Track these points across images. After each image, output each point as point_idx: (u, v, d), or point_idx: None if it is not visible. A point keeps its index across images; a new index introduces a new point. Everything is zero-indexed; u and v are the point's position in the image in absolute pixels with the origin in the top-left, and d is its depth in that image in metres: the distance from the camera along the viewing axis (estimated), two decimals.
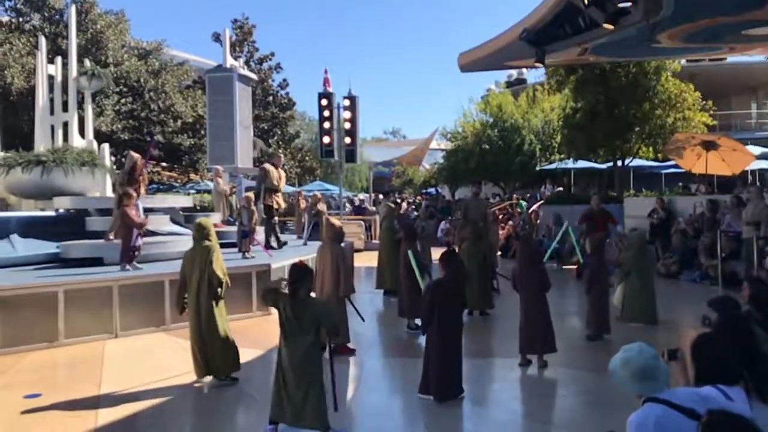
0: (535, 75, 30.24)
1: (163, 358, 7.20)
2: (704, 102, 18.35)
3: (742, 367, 2.95)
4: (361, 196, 33.63)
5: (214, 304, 6.03)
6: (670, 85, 17.52)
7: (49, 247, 10.29)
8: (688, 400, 2.67)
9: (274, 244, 12.18)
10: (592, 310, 7.78)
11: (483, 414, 5.52)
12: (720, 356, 2.92)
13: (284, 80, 33.38)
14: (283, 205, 12.40)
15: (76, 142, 13.67)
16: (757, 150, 18.45)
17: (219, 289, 6.02)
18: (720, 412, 2.40)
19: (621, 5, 7.25)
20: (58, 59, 14.51)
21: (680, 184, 19.89)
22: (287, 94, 33.37)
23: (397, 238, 9.96)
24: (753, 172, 21.90)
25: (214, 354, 6.00)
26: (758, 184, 20.28)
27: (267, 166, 12.20)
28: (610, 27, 7.69)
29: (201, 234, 6.18)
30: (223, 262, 6.20)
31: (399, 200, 17.72)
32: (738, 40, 10.17)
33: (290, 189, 26.97)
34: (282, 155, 13.60)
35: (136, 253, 9.08)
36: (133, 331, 8.12)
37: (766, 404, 2.93)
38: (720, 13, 8.21)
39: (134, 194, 9.26)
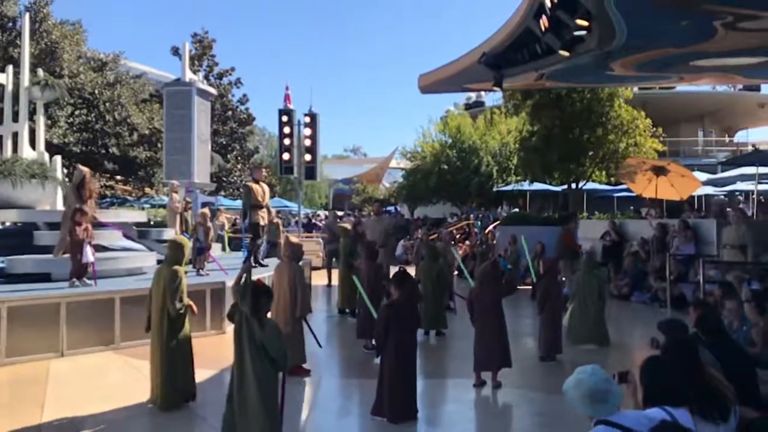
0: (493, 98, 30.76)
1: (112, 377, 6.99)
2: (654, 128, 18.98)
3: (689, 389, 3.03)
4: (321, 213, 33.52)
5: (169, 330, 5.73)
6: (623, 111, 18.07)
7: None
8: (637, 422, 2.73)
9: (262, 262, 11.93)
10: (544, 330, 7.89)
11: None
12: (667, 378, 3.00)
13: (244, 95, 33.27)
14: (265, 221, 11.98)
15: (26, 153, 13.25)
16: (703, 176, 19.14)
17: (176, 320, 5.74)
18: (667, 423, 2.48)
19: (576, 33, 7.47)
20: (10, 68, 14.10)
21: (632, 207, 20.45)
22: (247, 109, 33.19)
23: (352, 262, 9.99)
24: (699, 197, 22.68)
25: (161, 381, 5.75)
26: (704, 209, 21.03)
27: (249, 183, 11.82)
28: (566, 54, 7.92)
29: (173, 254, 5.88)
30: (185, 291, 5.85)
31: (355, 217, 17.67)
32: (686, 70, 10.58)
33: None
34: (263, 169, 13.12)
35: (88, 269, 8.80)
36: (81, 350, 7.85)
37: (709, 424, 3.01)
38: (669, 44, 8.54)
39: (88, 211, 8.99)
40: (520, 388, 6.65)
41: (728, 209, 14.32)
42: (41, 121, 14.12)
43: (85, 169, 9.79)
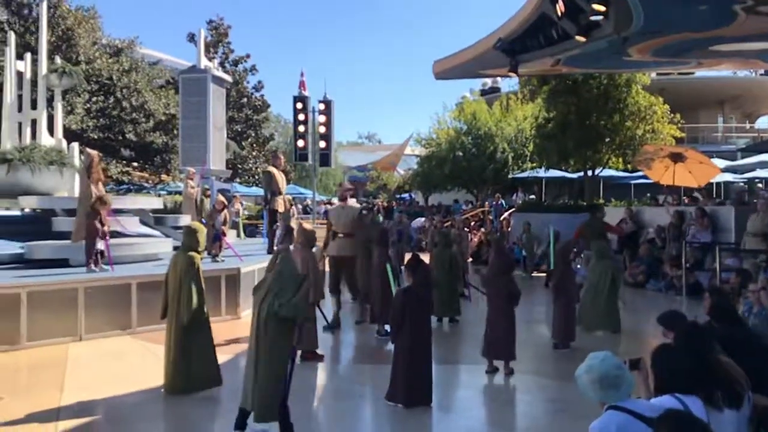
0: (508, 84, 30.52)
1: (129, 361, 7.09)
2: (672, 115, 18.73)
3: (700, 377, 3.02)
4: (335, 200, 33.55)
5: (185, 318, 5.69)
6: (640, 97, 17.83)
7: (13, 248, 10.06)
8: (649, 409, 2.74)
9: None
10: (558, 318, 7.87)
11: (449, 421, 5.54)
12: (678, 366, 2.99)
13: (259, 82, 33.23)
14: (283, 208, 11.93)
15: (45, 140, 13.40)
16: (722, 163, 18.89)
17: (190, 307, 5.69)
18: (673, 411, 2.49)
19: (593, 18, 7.39)
20: (28, 55, 14.22)
21: (648, 194, 20.25)
22: (262, 96, 33.18)
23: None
24: (718, 184, 22.40)
25: (173, 367, 5.76)
26: (722, 196, 20.79)
27: (271, 169, 11.83)
28: (582, 39, 7.85)
29: (189, 240, 5.87)
30: (202, 277, 5.85)
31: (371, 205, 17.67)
32: (705, 56, 10.42)
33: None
34: (281, 156, 12.99)
35: (100, 256, 8.92)
36: (99, 334, 7.97)
37: (721, 412, 3.01)
38: (688, 29, 8.41)
39: (109, 201, 9.11)
40: (533, 374, 6.66)
41: (761, 196, 14.00)
42: (59, 108, 14.24)
43: (93, 152, 9.90)
